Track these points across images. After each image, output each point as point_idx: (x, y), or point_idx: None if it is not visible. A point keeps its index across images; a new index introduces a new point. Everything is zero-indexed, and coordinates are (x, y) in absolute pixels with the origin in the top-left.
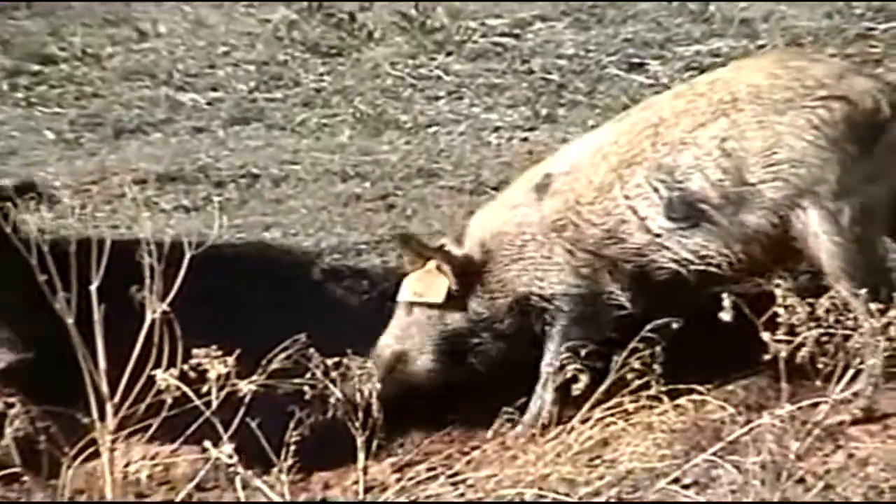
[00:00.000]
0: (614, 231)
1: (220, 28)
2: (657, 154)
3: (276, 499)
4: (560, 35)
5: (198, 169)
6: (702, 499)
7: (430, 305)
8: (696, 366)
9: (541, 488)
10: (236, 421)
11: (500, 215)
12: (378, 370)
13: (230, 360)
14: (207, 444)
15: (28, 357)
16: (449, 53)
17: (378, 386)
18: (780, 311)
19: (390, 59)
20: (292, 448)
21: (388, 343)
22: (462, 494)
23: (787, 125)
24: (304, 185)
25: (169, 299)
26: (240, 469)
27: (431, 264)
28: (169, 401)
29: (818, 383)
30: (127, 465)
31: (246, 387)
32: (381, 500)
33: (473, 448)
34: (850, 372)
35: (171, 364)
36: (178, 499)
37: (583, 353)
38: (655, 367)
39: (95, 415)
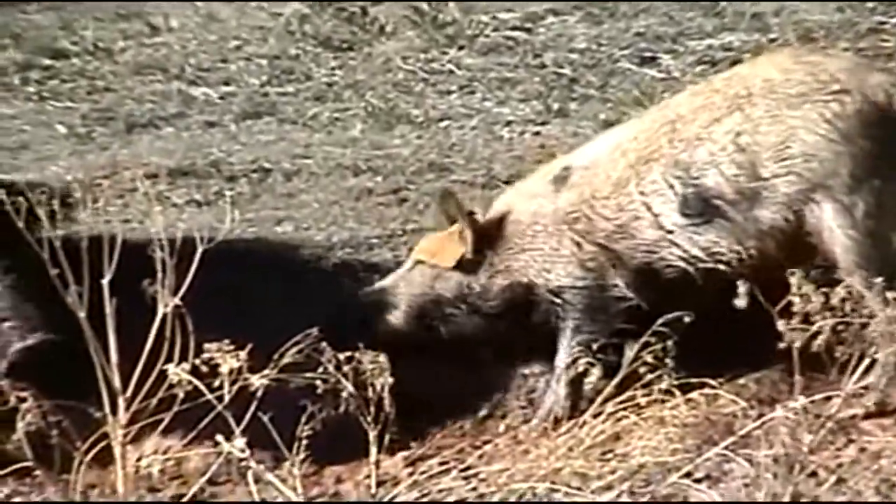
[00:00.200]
0: (626, 226)
1: (231, 22)
2: (674, 150)
3: (289, 493)
4: (572, 29)
5: (210, 163)
6: (714, 493)
7: (435, 267)
8: (708, 360)
9: (553, 482)
10: (248, 415)
11: (518, 202)
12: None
13: (242, 354)
14: (220, 438)
15: (50, 339)
16: (461, 48)
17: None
18: (795, 299)
19: (402, 54)
20: (304, 442)
21: (374, 289)
22: (474, 488)
23: (800, 119)
24: (315, 179)
25: (181, 294)
26: (252, 463)
27: (454, 228)
28: (181, 395)
29: (831, 376)
30: (139, 459)
31: (258, 381)
32: (393, 493)
33: (486, 442)
34: (864, 364)
35: (183, 358)
36: (190, 493)
37: (595, 347)
38: (667, 361)
39: (108, 409)
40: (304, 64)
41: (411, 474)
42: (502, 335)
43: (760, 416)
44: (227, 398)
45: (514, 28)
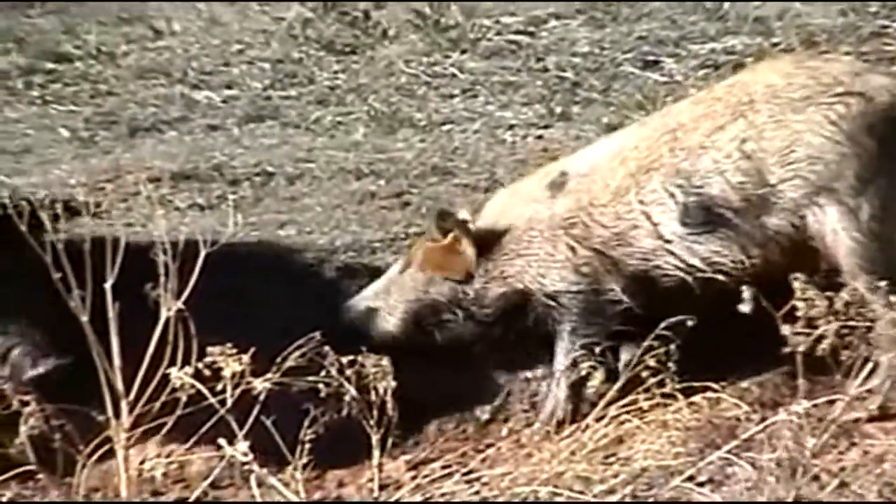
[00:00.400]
0: (623, 235)
1: (234, 26)
2: (675, 159)
3: (291, 497)
4: (575, 33)
5: (212, 167)
6: (717, 496)
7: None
8: (711, 363)
9: (556, 486)
10: (251, 419)
11: (512, 207)
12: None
13: (245, 357)
14: (222, 441)
15: (64, 363)
16: (463, 51)
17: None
18: (800, 304)
19: (405, 57)
20: (307, 446)
21: (365, 297)
22: (477, 492)
23: (804, 122)
24: (318, 183)
25: (184, 297)
26: (255, 467)
27: (449, 239)
28: (184, 399)
29: (833, 379)
30: (142, 462)
31: (261, 385)
32: (395, 497)
33: (488, 446)
34: (867, 368)
35: (186, 362)
36: (192, 496)
37: (597, 350)
38: (670, 364)
39: (110, 413)
40: (306, 67)
41: (414, 478)
42: (498, 341)
43: (763, 419)
44: (229, 402)
45: (517, 32)
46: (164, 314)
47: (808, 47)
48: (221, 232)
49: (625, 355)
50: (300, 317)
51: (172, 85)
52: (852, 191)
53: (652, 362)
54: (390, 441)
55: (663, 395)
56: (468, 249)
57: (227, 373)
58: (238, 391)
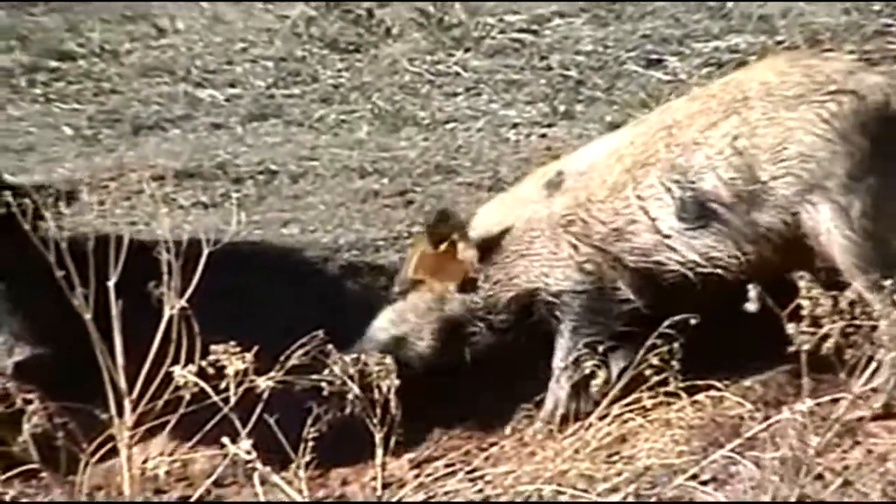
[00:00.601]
0: (622, 230)
1: (238, 24)
2: (670, 155)
3: (295, 495)
4: (578, 31)
5: (216, 165)
6: (720, 495)
7: (432, 292)
8: (714, 362)
9: (559, 484)
10: (254, 417)
11: (509, 210)
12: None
13: (248, 356)
14: (226, 440)
15: (43, 353)
16: (467, 50)
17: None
18: (805, 302)
19: (408, 56)
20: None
21: (383, 327)
22: (480, 490)
23: (797, 120)
24: (322, 181)
25: (187, 296)
26: (258, 465)
27: (442, 247)
28: (187, 397)
29: (837, 378)
30: (145, 461)
31: (264, 383)
32: (399, 495)
33: (491, 444)
34: (871, 367)
35: (189, 360)
36: (196, 495)
37: (600, 349)
38: (673, 363)
39: (113, 411)
40: (310, 66)
41: (417, 476)
42: (522, 345)
43: (767, 418)
44: (232, 400)
45: (521, 30)
46: (167, 312)
47: (811, 46)
48: (225, 230)
49: (616, 363)
50: (303, 315)
51: (176, 83)
52: (843, 189)
53: (655, 361)
54: (393, 439)
55: (667, 394)
56: (467, 252)
57: (230, 371)
58: (241, 390)
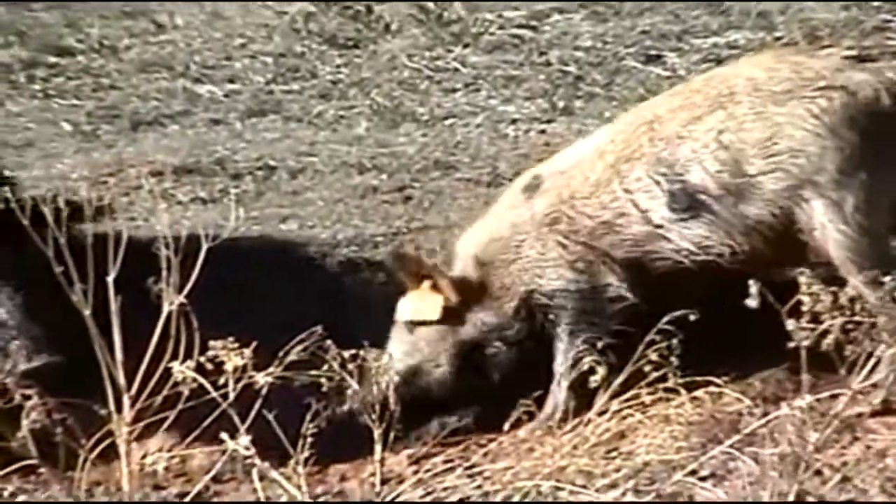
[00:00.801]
0: (610, 223)
1: (237, 20)
2: (655, 149)
3: (293, 491)
4: (577, 27)
5: (215, 161)
6: (719, 491)
7: (430, 322)
8: (714, 358)
9: (558, 480)
10: (253, 413)
11: (489, 225)
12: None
13: (247, 352)
14: (224, 436)
15: (56, 361)
16: (466, 46)
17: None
18: (805, 298)
19: (407, 52)
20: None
21: (399, 358)
22: (479, 486)
23: (786, 115)
24: (321, 177)
25: (185, 291)
26: (256, 461)
27: (426, 284)
28: (185, 393)
29: (836, 374)
30: (143, 456)
31: (263, 379)
32: (397, 491)
33: (490, 440)
34: (871, 363)
35: (188, 356)
36: (194, 491)
37: (599, 345)
38: (672, 359)
39: (112, 407)
40: (309, 62)
41: (416, 472)
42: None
43: (766, 414)
44: (231, 396)
45: (520, 26)
46: (165, 308)
47: (810, 42)
48: (223, 226)
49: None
50: (302, 311)
51: (175, 79)
52: (835, 184)
53: (654, 356)
54: (392, 435)
55: (665, 390)
56: (443, 282)
57: (228, 367)
58: (240, 385)
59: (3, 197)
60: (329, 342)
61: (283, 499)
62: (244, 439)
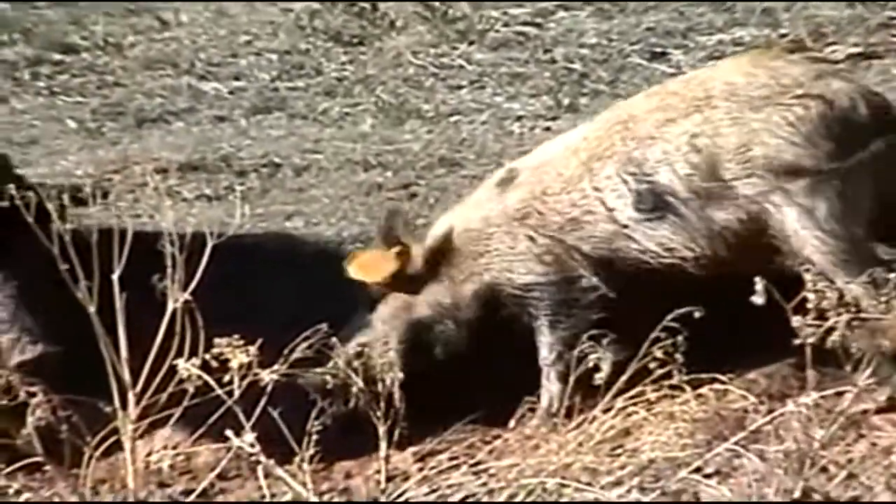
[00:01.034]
0: (578, 220)
1: (242, 17)
2: (626, 148)
3: (299, 488)
4: (582, 24)
5: (220, 158)
6: (724, 488)
7: (371, 284)
8: (719, 355)
9: (563, 477)
10: (258, 410)
11: (464, 214)
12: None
13: (252, 349)
14: (229, 433)
15: (54, 351)
16: (471, 43)
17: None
18: (810, 295)
19: (412, 49)
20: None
21: (349, 335)
22: (484, 484)
23: (762, 122)
24: (326, 174)
25: (191, 289)
26: (262, 458)
27: (392, 250)
28: (191, 390)
29: (842, 371)
30: (149, 454)
31: (268, 376)
32: (403, 488)
33: (495, 437)
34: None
35: (193, 353)
36: (199, 488)
37: (581, 337)
38: (677, 356)
39: (117, 404)
40: (314, 59)
41: (421, 469)
42: (492, 337)
43: (771, 411)
44: (236, 393)
45: (525, 23)
46: (170, 305)
47: (815, 39)
48: (229, 223)
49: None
50: (307, 308)
51: (180, 76)
52: (808, 191)
53: (659, 354)
54: (397, 432)
55: (671, 387)
56: (416, 250)
57: (234, 364)
58: (245, 383)
59: (9, 195)
60: (334, 339)
61: (289, 496)
62: (249, 437)
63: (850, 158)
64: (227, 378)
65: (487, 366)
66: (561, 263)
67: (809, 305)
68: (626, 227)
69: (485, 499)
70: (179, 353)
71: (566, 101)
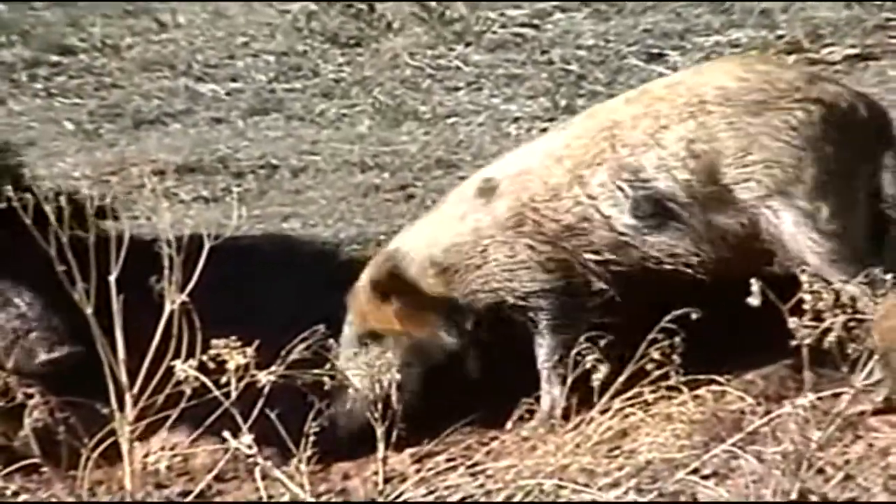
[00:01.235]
0: (573, 227)
1: (239, 19)
2: (617, 155)
3: (296, 489)
4: (579, 26)
5: (217, 160)
6: (721, 489)
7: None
8: (716, 356)
9: (560, 479)
10: (255, 411)
11: (446, 229)
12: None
13: (249, 350)
14: (227, 434)
15: (80, 351)
16: (468, 44)
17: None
18: (807, 296)
19: (409, 50)
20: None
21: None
22: (482, 485)
23: (761, 126)
24: (323, 175)
25: (188, 290)
26: (259, 460)
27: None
28: (188, 392)
29: (838, 372)
30: (146, 455)
31: (265, 378)
32: (400, 490)
33: (493, 439)
34: (873, 361)
35: (191, 355)
36: (197, 489)
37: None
38: (674, 357)
39: (115, 405)
40: (311, 60)
41: (418, 471)
42: (488, 341)
43: (768, 412)
44: (234, 394)
45: (522, 24)
46: (168, 307)
47: (812, 40)
48: (226, 225)
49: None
50: (305, 310)
51: (177, 77)
52: (809, 194)
53: (656, 355)
54: (395, 434)
55: (668, 388)
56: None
57: (231, 366)
58: (242, 384)
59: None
60: (332, 341)
61: (286, 497)
62: (247, 438)
63: (850, 160)
64: (224, 379)
65: (484, 368)
66: (565, 269)
67: (806, 307)
68: (623, 234)
69: (482, 500)
70: (177, 355)
71: (563, 103)
